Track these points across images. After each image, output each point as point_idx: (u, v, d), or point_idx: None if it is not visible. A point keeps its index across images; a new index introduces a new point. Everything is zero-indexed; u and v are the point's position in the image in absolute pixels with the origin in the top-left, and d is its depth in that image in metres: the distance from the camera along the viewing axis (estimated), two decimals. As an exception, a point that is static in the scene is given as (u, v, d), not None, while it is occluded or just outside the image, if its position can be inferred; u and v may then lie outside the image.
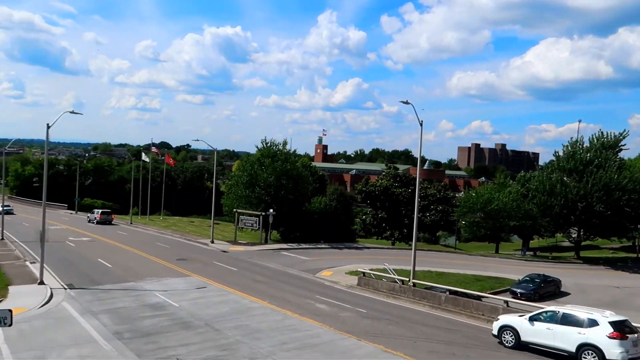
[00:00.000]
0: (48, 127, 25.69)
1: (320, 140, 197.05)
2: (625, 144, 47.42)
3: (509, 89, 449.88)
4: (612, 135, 47.43)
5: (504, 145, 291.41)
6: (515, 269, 37.51)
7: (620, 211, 43.94)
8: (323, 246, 46.52)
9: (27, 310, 19.67)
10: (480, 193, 52.03)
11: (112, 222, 57.45)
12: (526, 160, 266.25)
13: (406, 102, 27.18)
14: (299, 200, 48.84)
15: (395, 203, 58.95)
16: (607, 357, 15.03)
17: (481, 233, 52.78)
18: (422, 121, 27.23)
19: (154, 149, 72.96)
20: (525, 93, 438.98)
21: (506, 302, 22.82)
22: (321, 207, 52.51)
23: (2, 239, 39.57)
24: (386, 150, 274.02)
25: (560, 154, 49.02)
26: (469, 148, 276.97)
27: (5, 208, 57.92)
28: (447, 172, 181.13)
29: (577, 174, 46.04)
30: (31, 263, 29.35)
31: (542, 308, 18.53)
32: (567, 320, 16.52)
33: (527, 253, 51.28)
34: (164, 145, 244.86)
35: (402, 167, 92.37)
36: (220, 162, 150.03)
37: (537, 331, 17.03)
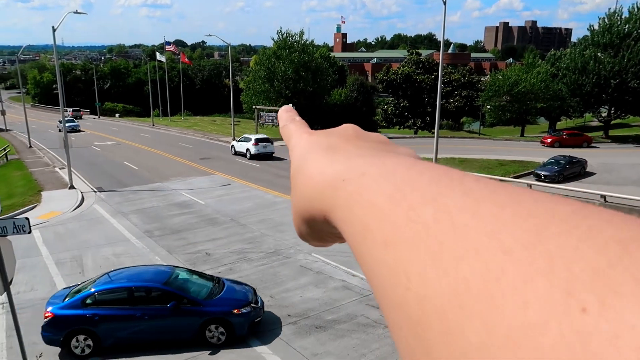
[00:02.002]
0: (54, 30, 25.08)
1: (338, 28, 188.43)
2: (669, 13, 43.62)
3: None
4: (656, 3, 43.56)
5: (534, 23, 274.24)
6: (541, 152, 36.94)
7: (656, 86, 41.81)
8: (345, 138, 46.32)
9: (61, 213, 20.54)
10: (507, 75, 49.86)
11: (82, 117, 66.58)
12: (558, 37, 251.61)
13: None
14: (319, 92, 47.89)
15: (417, 91, 57.28)
16: (251, 152, 33.48)
17: (507, 117, 51.42)
18: (445, -1, 25.32)
19: (168, 48, 70.99)
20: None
21: (529, 185, 22.69)
22: (341, 98, 51.59)
23: (30, 146, 40.56)
24: (408, 35, 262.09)
25: (596, 27, 45.67)
26: (497, 28, 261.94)
27: (71, 125, 49.82)
28: (473, 55, 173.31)
29: (612, 48, 43.22)
30: (60, 169, 30.20)
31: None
32: (245, 139, 34.87)
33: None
34: (179, 44, 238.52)
35: (425, 53, 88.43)
36: (237, 58, 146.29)
37: (238, 145, 35.32)
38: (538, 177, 28.35)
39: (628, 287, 0.19)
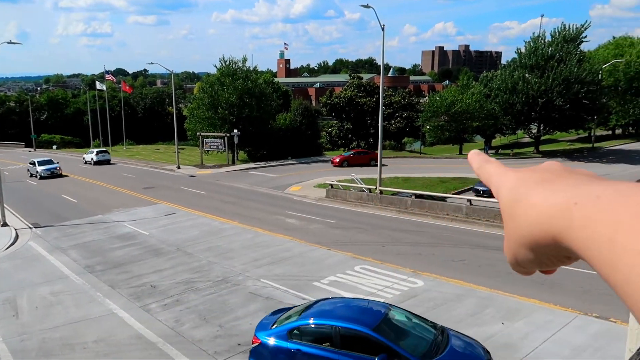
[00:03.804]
0: (-18, 61, 24.03)
1: (282, 54, 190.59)
2: (586, 36, 47.27)
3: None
4: (574, 27, 47.13)
5: (467, 47, 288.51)
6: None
7: (578, 104, 44.97)
8: (291, 162, 46.68)
9: (-7, 253, 19.41)
10: (444, 96, 52.06)
11: None
12: (489, 60, 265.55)
13: (367, 6, 26.22)
14: (264, 118, 48.03)
15: (360, 113, 58.70)
16: (94, 160, 46.87)
17: (445, 136, 53.51)
18: (384, 25, 26.37)
19: (108, 77, 69.13)
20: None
21: (469, 200, 23.65)
22: (286, 123, 51.98)
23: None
24: (350, 60, 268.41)
25: (523, 50, 48.77)
26: (433, 52, 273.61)
27: (50, 167, 39.28)
28: (412, 77, 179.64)
29: (538, 69, 46.26)
30: (-8, 205, 28.53)
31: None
32: (91, 152, 48.94)
33: (489, 152, 52.69)
34: (120, 72, 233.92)
35: (366, 77, 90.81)
36: (181, 85, 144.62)
37: (87, 156, 47.82)
38: (477, 193, 29.57)
39: None
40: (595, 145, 52.81)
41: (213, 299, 14.10)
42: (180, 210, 26.22)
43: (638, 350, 0.55)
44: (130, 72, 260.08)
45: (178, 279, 15.78)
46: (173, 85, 49.04)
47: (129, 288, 15.14)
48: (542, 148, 51.88)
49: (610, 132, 63.76)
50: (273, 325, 9.89)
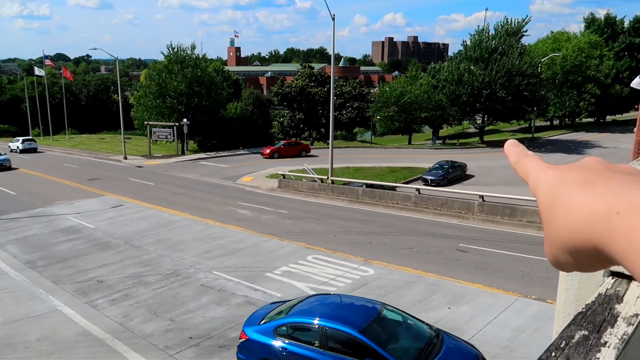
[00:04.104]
0: None
1: (232, 42, 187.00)
2: (526, 30, 49.24)
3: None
4: (516, 22, 48.95)
5: (415, 38, 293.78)
6: (427, 158, 39.64)
7: (519, 96, 46.92)
8: (242, 152, 46.21)
9: None
10: (394, 87, 52.95)
11: None
12: (437, 51, 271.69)
13: (316, -5, 26.16)
14: (214, 107, 47.20)
15: (312, 103, 58.76)
16: (20, 148, 45.98)
17: (395, 126, 54.54)
18: (334, 15, 26.38)
19: (47, 62, 65.55)
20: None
21: (418, 189, 24.29)
22: (238, 112, 51.35)
23: None
24: (301, 49, 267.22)
25: (468, 43, 50.22)
26: (383, 42, 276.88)
27: None
28: (362, 68, 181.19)
29: (483, 62, 47.81)
30: None
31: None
32: (17, 140, 46.88)
33: (437, 142, 54.18)
34: (60, 58, 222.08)
35: (317, 66, 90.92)
36: (126, 72, 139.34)
37: (12, 145, 47.23)
38: (425, 182, 30.42)
39: None
40: (535, 135, 55.34)
41: (163, 292, 13.87)
42: (127, 202, 25.46)
43: (560, 334, 0.56)
44: (71, 57, 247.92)
45: (126, 273, 15.39)
46: (118, 72, 47.28)
47: (74, 283, 14.64)
48: (486, 138, 53.84)
49: (548, 122, 66.97)
50: (262, 320, 9.72)
